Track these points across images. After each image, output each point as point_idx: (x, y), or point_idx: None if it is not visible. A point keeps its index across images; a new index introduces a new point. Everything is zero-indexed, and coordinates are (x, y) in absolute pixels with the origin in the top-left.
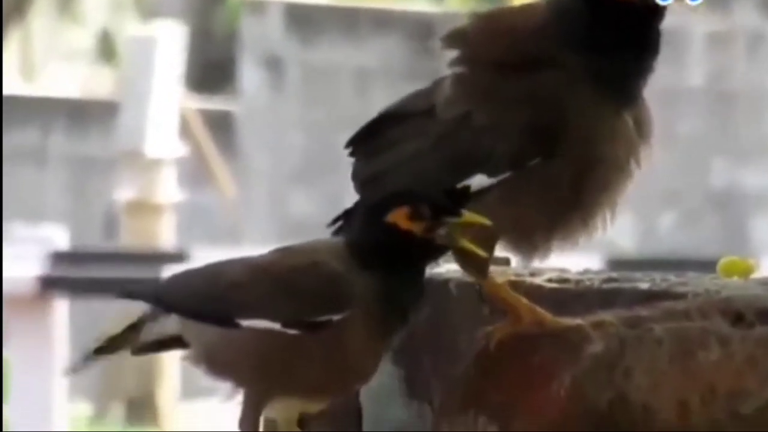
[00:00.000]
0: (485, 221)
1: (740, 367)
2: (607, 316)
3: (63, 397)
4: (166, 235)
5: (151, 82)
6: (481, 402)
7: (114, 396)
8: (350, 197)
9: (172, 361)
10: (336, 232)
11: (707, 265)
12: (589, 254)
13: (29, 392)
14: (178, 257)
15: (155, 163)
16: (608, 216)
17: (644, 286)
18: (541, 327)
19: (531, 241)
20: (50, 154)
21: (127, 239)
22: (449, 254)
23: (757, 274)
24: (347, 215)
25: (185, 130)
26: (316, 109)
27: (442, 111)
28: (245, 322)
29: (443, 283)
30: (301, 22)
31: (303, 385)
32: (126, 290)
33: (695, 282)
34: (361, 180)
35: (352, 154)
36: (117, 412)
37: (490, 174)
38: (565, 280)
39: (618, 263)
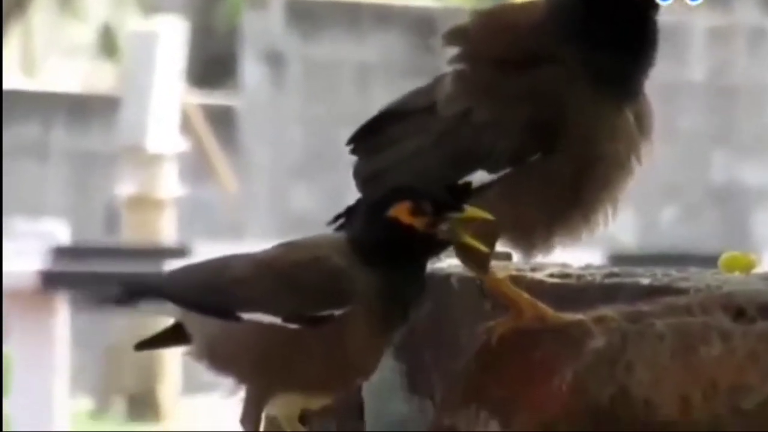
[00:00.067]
0: (487, 216)
1: (742, 362)
2: (608, 311)
3: (64, 393)
4: (167, 230)
5: (152, 77)
6: (483, 397)
7: (115, 391)
8: (351, 192)
9: (173, 356)
10: (338, 230)
11: (708, 260)
12: (590, 249)
13: (30, 387)
14: (179, 252)
15: (156, 158)
16: (609, 212)
17: (646, 281)
18: (542, 322)
19: (531, 237)
20: (51, 149)
21: (129, 234)
22: (451, 249)
23: (758, 269)
24: (349, 212)
25: (186, 125)
26: (318, 105)
27: (443, 108)
28: (247, 316)
29: (445, 278)
30: (303, 17)
31: (304, 381)
32: (129, 283)
33: (697, 277)
34: (362, 178)
35: (353, 152)
36: (118, 407)
37: (490, 170)
38: (567, 275)
39: (619, 258)
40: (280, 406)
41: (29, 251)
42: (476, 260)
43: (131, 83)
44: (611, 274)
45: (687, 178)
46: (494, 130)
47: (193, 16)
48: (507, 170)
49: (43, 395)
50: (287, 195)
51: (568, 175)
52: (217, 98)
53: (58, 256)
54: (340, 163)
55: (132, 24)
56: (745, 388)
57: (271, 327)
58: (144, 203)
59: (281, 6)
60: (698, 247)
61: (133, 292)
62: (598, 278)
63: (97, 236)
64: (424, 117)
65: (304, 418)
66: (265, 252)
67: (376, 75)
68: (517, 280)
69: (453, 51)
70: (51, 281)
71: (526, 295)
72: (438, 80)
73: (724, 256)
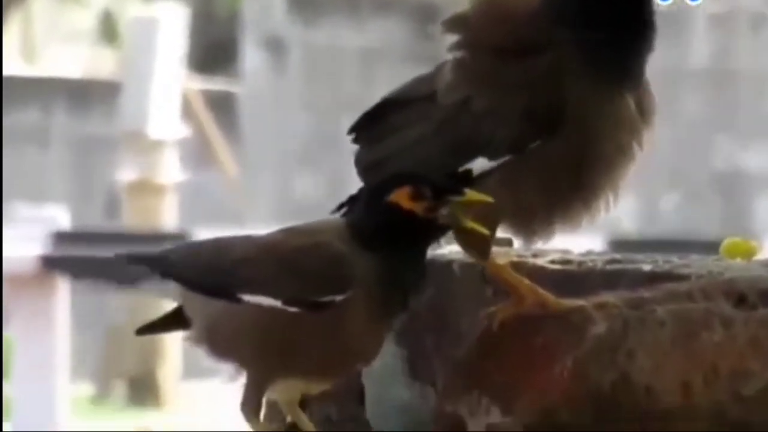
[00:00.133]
0: (487, 198)
1: (743, 349)
2: (610, 297)
3: (65, 377)
4: (168, 215)
5: (153, 63)
6: (484, 383)
7: (115, 376)
8: (352, 178)
9: (173, 341)
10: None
11: (710, 247)
12: (591, 235)
13: (31, 372)
14: (179, 238)
15: (157, 144)
16: (610, 198)
17: (647, 267)
18: (543, 308)
19: (532, 223)
20: (52, 134)
21: (129, 220)
22: (452, 236)
23: (760, 256)
24: (352, 201)
25: (187, 111)
26: (318, 91)
27: (443, 96)
28: (247, 298)
29: (446, 264)
30: (303, 3)
31: (305, 366)
32: (131, 257)
33: (698, 263)
34: (363, 166)
35: (355, 141)
36: (118, 392)
37: (490, 158)
38: (568, 262)
39: (620, 244)
40: (281, 391)
41: (30, 236)
42: (477, 247)
43: (132, 69)
44: (612, 261)
45: (689, 164)
46: (493, 118)
47: (194, 2)
48: (507, 158)
49: (43, 380)
50: (288, 181)
51: (569, 162)
52: (217, 84)
53: (58, 241)
54: (341, 149)
55: (133, 10)
56: (746, 374)
57: (272, 310)
58: (145, 189)
59: None
60: (700, 234)
61: (135, 266)
62: (599, 264)
63: (97, 222)
64: (425, 105)
65: (304, 403)
66: (267, 236)
67: (377, 61)
68: (519, 267)
69: (453, 38)
70: (51, 266)
71: (527, 282)
72: (439, 68)
73: (725, 243)
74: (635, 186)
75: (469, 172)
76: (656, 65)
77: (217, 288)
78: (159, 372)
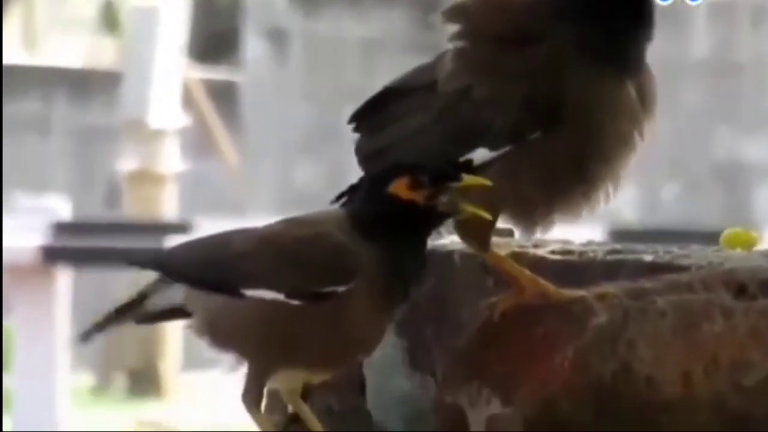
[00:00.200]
0: (485, 182)
1: (743, 339)
2: (610, 287)
3: (65, 368)
4: (168, 205)
5: (154, 53)
6: (485, 373)
7: (116, 367)
8: (353, 168)
9: (174, 331)
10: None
11: (710, 237)
12: (592, 225)
13: (31, 363)
14: (180, 227)
15: (158, 134)
16: (610, 188)
17: (648, 258)
18: (544, 298)
19: (532, 214)
20: (53, 124)
21: (130, 209)
22: (453, 228)
23: (760, 246)
24: (352, 191)
25: (188, 101)
26: (320, 80)
27: (444, 85)
28: (249, 292)
29: (447, 254)
30: None
31: (306, 356)
32: (131, 258)
33: (698, 254)
34: (364, 155)
35: (355, 130)
36: (119, 383)
37: (491, 147)
38: (569, 252)
39: (621, 234)
40: (282, 382)
41: (31, 226)
42: (477, 238)
43: (133, 58)
44: (613, 251)
45: (689, 155)
46: (493, 107)
47: None
48: (507, 147)
49: (43, 370)
50: (289, 170)
51: (569, 152)
52: (219, 73)
53: (59, 231)
54: (342, 139)
55: None
56: (746, 364)
57: (274, 303)
58: (145, 178)
59: None
60: (700, 224)
61: (135, 267)
62: (600, 255)
63: (98, 211)
64: (426, 94)
65: (305, 393)
66: (267, 228)
67: (378, 51)
68: (519, 257)
69: (453, 28)
70: (52, 256)
71: (527, 272)
72: (440, 57)
73: (726, 233)
74: (636, 176)
75: (469, 161)
76: (657, 56)
77: (219, 284)
78: (159, 363)
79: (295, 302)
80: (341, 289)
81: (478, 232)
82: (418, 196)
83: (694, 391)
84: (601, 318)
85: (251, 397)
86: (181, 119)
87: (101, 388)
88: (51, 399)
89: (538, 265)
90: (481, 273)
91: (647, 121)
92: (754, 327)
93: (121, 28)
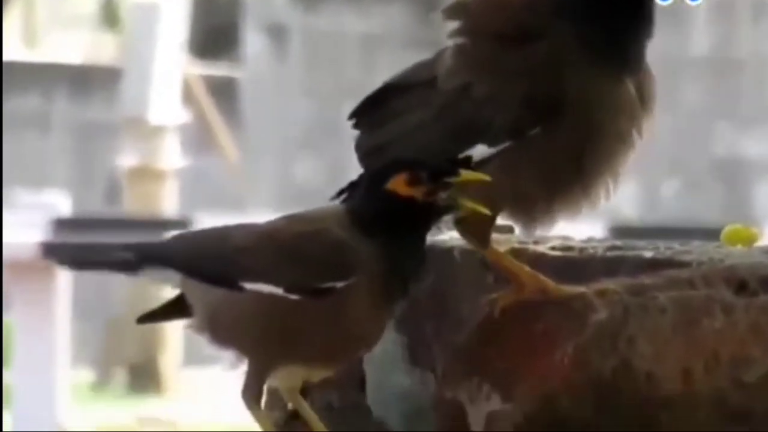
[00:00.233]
0: (484, 177)
1: (744, 335)
2: (610, 284)
3: (65, 364)
4: (168, 201)
5: (154, 49)
6: (485, 369)
7: (116, 363)
8: (353, 164)
9: (174, 328)
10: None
11: (711, 233)
12: (592, 222)
13: (31, 359)
14: (180, 223)
15: (158, 130)
16: (610, 185)
17: (648, 254)
18: (544, 295)
19: (532, 210)
20: (53, 120)
21: (130, 205)
22: (452, 224)
23: (760, 242)
24: (352, 187)
25: (188, 97)
26: (319, 76)
27: (444, 82)
28: (249, 286)
29: (447, 250)
30: None
31: (306, 353)
32: (130, 249)
33: (699, 250)
34: (364, 151)
35: (355, 126)
36: (119, 379)
37: (490, 144)
38: (569, 248)
39: (621, 231)
40: (282, 378)
41: (30, 222)
42: (476, 234)
43: (133, 54)
44: (613, 247)
45: (689, 152)
46: (493, 104)
47: None
48: (507, 144)
49: (43, 366)
50: (289, 166)
51: (569, 149)
52: (219, 69)
53: (59, 227)
54: (342, 135)
55: None
56: (747, 360)
57: (273, 298)
58: (145, 174)
59: None
60: (700, 221)
61: (137, 257)
62: (600, 251)
63: (98, 208)
64: (426, 91)
65: (305, 390)
66: (267, 224)
67: (378, 47)
68: (519, 253)
69: (453, 25)
70: (52, 252)
71: (527, 268)
72: (439, 54)
73: (726, 229)
74: (636, 173)
75: (469, 158)
76: (657, 53)
77: (219, 276)
78: (160, 359)
79: (294, 297)
80: (340, 284)
81: (477, 229)
82: (417, 193)
83: (694, 387)
84: (602, 314)
85: (251, 393)
86: (181, 115)
87: (101, 384)
88: (51, 395)
89: (538, 261)
90: (481, 269)
91: (646, 119)
92: (754, 323)
93: (121, 24)
